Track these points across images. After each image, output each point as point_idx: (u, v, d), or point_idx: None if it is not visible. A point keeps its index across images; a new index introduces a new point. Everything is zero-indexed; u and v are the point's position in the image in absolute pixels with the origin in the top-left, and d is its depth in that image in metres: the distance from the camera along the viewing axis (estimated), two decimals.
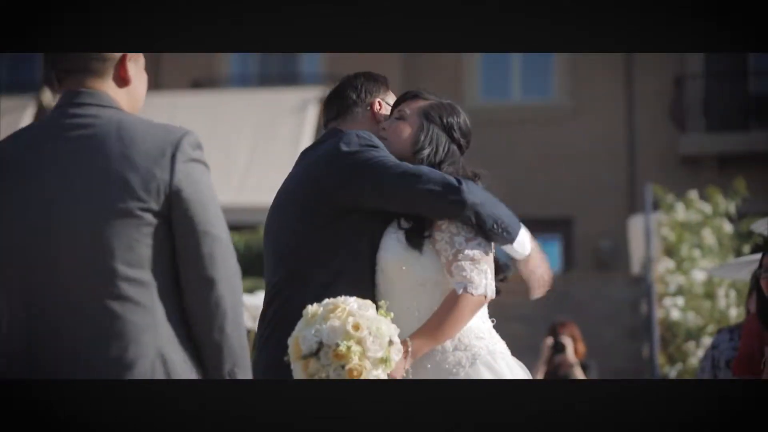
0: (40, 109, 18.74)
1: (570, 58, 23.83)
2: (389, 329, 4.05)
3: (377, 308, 4.10)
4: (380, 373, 4.01)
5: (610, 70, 23.65)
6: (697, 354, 13.61)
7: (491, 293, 4.27)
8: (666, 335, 14.57)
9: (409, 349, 4.19)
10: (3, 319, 3.34)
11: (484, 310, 4.40)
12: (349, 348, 3.96)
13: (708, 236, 15.04)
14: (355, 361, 3.97)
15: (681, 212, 15.43)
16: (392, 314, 4.10)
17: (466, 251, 4.24)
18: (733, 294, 13.79)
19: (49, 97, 18.69)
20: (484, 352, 4.29)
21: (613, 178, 23.54)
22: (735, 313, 13.41)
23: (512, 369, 4.32)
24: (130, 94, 3.48)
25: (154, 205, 3.26)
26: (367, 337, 3.99)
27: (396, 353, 4.06)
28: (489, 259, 4.30)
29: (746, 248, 14.05)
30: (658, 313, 14.90)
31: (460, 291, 4.22)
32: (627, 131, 23.74)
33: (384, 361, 4.02)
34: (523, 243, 4.37)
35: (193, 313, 3.33)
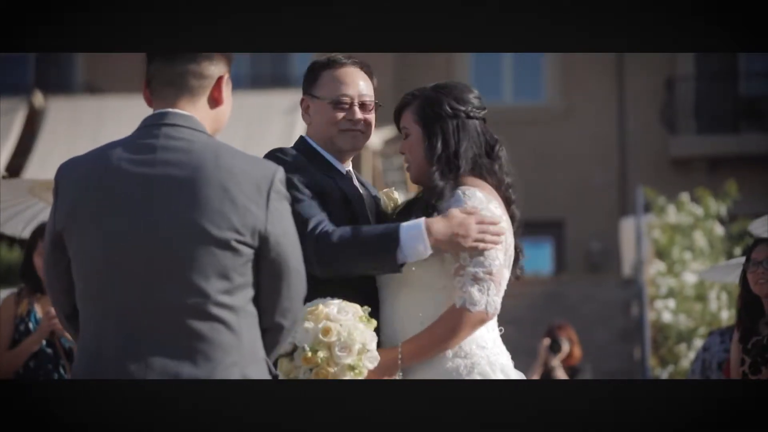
0: (32, 112, 18.66)
1: (561, 60, 23.85)
2: (363, 336, 4.03)
3: (361, 314, 4.09)
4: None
5: (602, 72, 23.67)
6: (688, 356, 13.61)
7: (492, 310, 4.21)
8: (657, 337, 14.58)
9: (399, 355, 4.17)
10: (88, 327, 3.47)
11: (492, 320, 4.34)
12: (315, 353, 3.97)
13: (699, 238, 15.04)
14: (322, 366, 3.97)
15: (672, 214, 15.43)
16: (375, 322, 4.09)
17: (468, 268, 4.20)
18: (724, 296, 13.79)
19: (40, 100, 18.64)
20: (484, 362, 4.24)
21: (605, 180, 23.56)
22: (726, 316, 13.42)
23: None
24: (217, 116, 3.58)
25: (249, 239, 3.41)
26: (335, 343, 3.98)
27: (369, 361, 4.04)
28: (495, 276, 4.22)
29: (737, 250, 14.04)
30: (650, 316, 14.91)
31: (459, 304, 4.19)
32: (618, 133, 23.76)
33: (352, 368, 4.00)
34: (415, 253, 4.18)
35: (266, 329, 3.53)
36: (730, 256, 14.06)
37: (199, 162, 3.40)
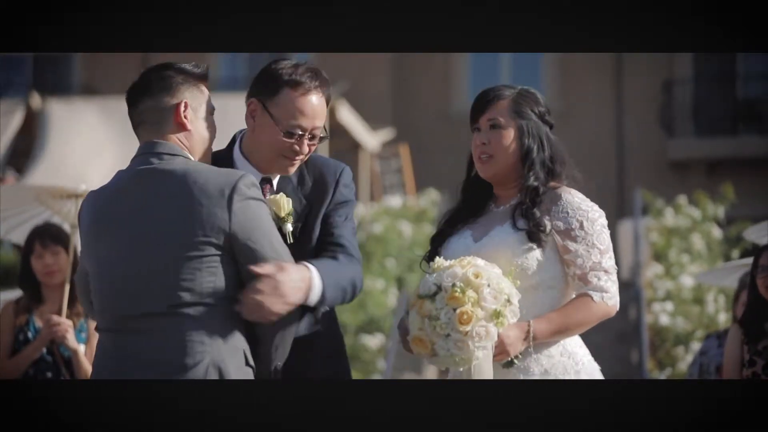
0: (29, 113, 18.63)
1: (559, 62, 23.86)
2: (510, 289, 4.05)
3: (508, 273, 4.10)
4: (491, 327, 3.99)
5: (599, 74, 23.68)
6: (686, 359, 13.59)
7: (618, 306, 4.25)
8: (655, 340, 14.56)
9: (531, 329, 4.12)
10: (99, 336, 3.91)
11: None
12: (464, 292, 3.98)
13: (697, 241, 15.05)
14: (467, 306, 3.97)
15: (670, 217, 15.43)
16: (518, 282, 4.09)
17: (603, 263, 4.23)
18: (722, 299, 13.79)
19: (38, 101, 18.61)
20: (587, 361, 4.28)
21: (602, 182, 23.57)
22: (724, 319, 13.41)
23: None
24: (192, 138, 3.96)
25: (215, 240, 3.78)
26: (484, 286, 4.00)
27: (512, 314, 4.04)
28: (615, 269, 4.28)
29: (735, 253, 14.05)
30: (647, 318, 14.90)
31: (598, 299, 4.20)
32: (616, 136, 23.78)
33: (497, 315, 4.00)
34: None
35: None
36: (727, 258, 14.06)
37: (176, 181, 3.81)
